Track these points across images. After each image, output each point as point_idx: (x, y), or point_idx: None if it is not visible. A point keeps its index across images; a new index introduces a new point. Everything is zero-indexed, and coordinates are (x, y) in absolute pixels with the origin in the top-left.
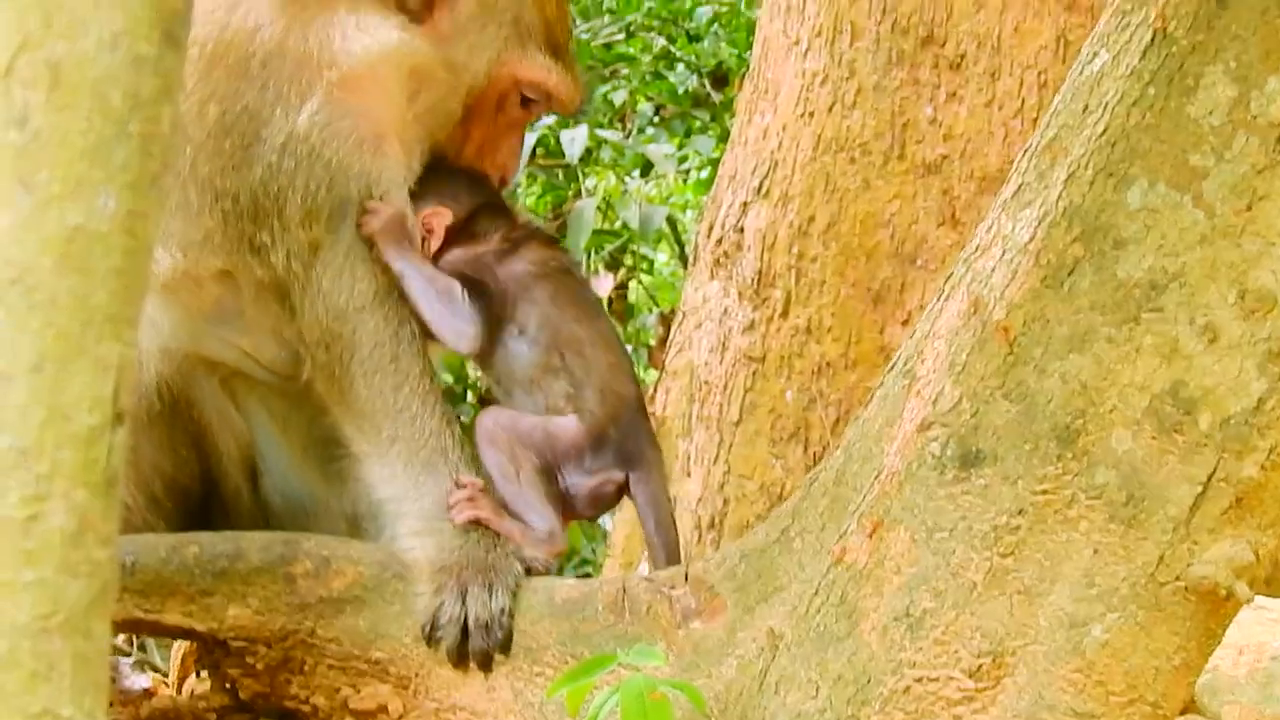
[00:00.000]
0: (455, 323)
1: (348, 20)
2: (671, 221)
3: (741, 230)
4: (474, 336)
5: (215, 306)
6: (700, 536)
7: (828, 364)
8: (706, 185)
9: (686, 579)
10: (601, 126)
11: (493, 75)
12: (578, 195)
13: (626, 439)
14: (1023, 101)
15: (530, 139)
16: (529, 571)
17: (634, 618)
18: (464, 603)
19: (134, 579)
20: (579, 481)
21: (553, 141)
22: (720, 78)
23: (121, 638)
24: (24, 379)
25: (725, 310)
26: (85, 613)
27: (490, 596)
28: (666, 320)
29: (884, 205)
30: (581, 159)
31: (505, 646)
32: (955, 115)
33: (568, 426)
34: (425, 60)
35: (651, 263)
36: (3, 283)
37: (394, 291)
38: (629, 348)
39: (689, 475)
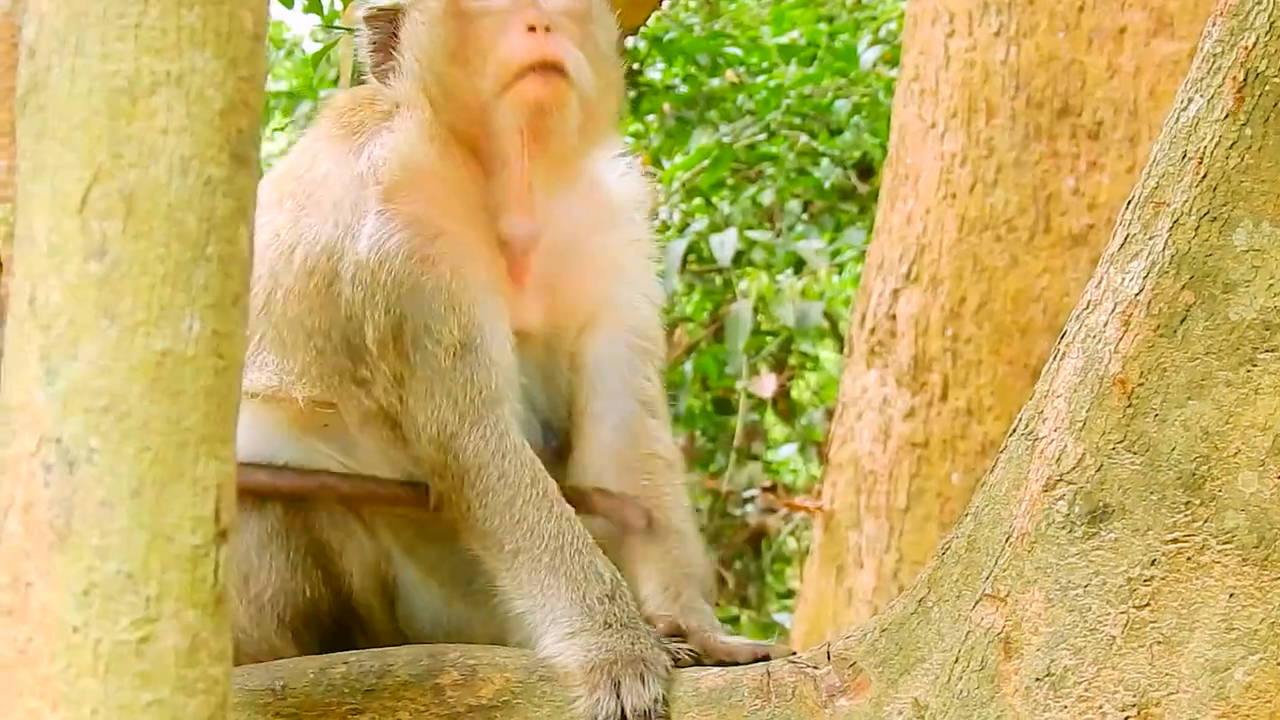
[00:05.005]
0: None
1: (384, 131)
2: (830, 316)
3: (894, 317)
4: None
5: (320, 426)
6: None
7: (991, 443)
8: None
9: (829, 658)
10: (751, 228)
11: None
12: (733, 298)
13: None
14: None
15: (681, 245)
16: (677, 662)
17: (780, 701)
18: (619, 696)
19: (284, 703)
20: None
21: (704, 247)
22: (865, 168)
23: None
24: (125, 505)
25: (884, 399)
26: None
27: (644, 686)
28: (833, 415)
29: (1034, 280)
30: (734, 262)
31: None
32: (1098, 184)
33: None
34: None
35: (816, 359)
36: (95, 412)
37: (487, 409)
38: (796, 445)
39: (861, 566)
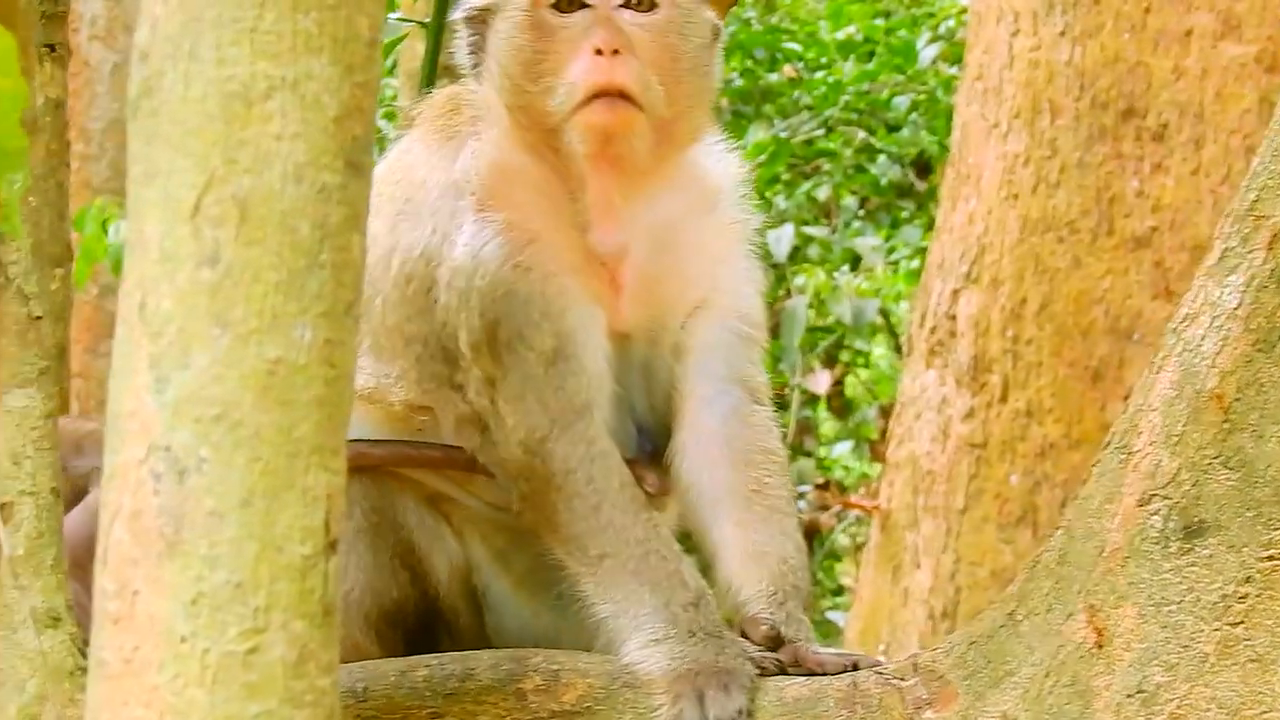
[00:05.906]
0: None
1: (477, 136)
2: (885, 313)
3: (954, 317)
4: None
5: (414, 430)
6: (934, 627)
7: (1051, 445)
8: (917, 275)
9: (916, 669)
10: (807, 223)
11: None
12: (788, 294)
13: None
14: (1229, 168)
15: None
16: (763, 672)
17: (866, 712)
18: (702, 706)
19: (365, 705)
20: None
21: (759, 243)
22: (923, 166)
23: None
24: (235, 515)
25: (944, 399)
26: None
27: (728, 697)
28: (886, 413)
29: (1096, 282)
30: (790, 257)
31: None
32: (1162, 186)
33: None
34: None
35: (868, 356)
36: (206, 421)
37: (577, 415)
38: (849, 443)
39: (919, 566)
